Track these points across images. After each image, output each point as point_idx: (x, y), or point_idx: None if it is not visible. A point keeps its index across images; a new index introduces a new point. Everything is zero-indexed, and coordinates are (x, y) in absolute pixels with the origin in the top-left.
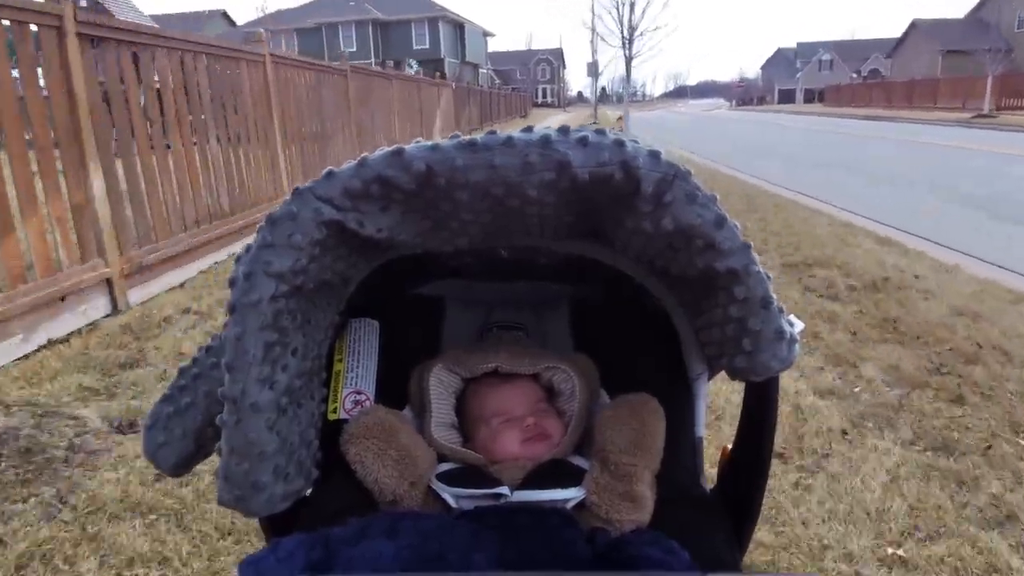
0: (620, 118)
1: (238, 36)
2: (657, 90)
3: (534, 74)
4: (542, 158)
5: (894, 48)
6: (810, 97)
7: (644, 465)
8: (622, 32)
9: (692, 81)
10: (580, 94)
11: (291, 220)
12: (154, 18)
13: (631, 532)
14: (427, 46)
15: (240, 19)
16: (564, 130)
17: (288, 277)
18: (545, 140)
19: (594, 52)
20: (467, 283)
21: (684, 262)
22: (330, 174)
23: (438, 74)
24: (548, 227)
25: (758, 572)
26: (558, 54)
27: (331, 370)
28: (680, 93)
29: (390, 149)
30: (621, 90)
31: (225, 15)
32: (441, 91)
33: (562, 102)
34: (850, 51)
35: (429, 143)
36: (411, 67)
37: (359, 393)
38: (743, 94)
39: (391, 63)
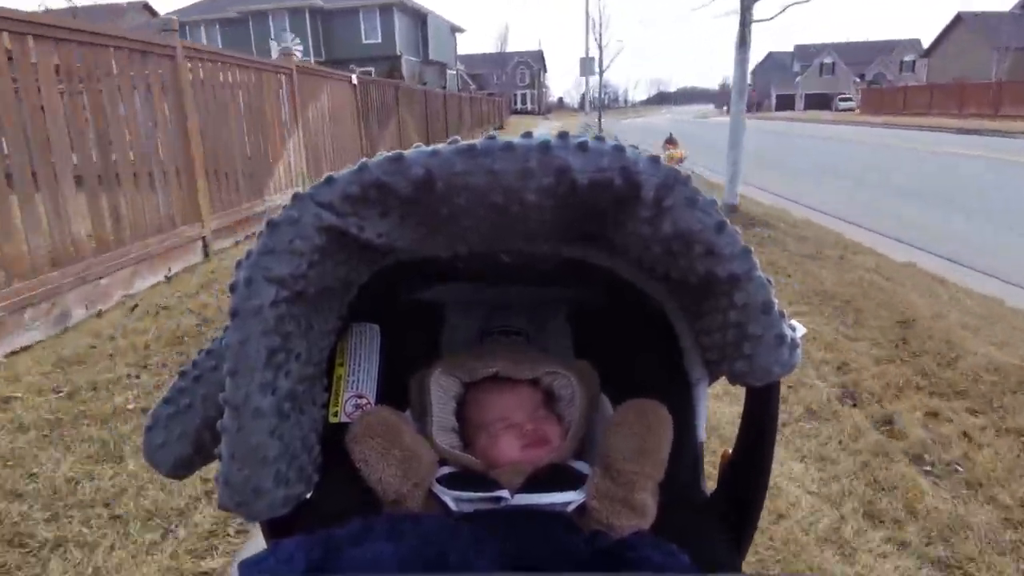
0: (672, 148)
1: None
2: (639, 96)
3: (512, 78)
4: (541, 164)
5: (932, 46)
6: (813, 103)
7: (647, 473)
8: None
9: (672, 88)
10: (561, 100)
11: (291, 225)
12: (77, 10)
13: (631, 535)
14: (379, 40)
15: (163, 10)
16: (564, 135)
17: (288, 282)
18: (545, 146)
19: (600, 46)
20: (467, 287)
21: (684, 267)
22: (330, 179)
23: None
24: (548, 232)
25: (758, 574)
26: (538, 56)
27: (332, 374)
28: (662, 100)
29: (390, 154)
30: (596, 96)
31: (147, 6)
32: (326, 88)
33: (542, 108)
34: (853, 54)
35: (429, 148)
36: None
37: (360, 397)
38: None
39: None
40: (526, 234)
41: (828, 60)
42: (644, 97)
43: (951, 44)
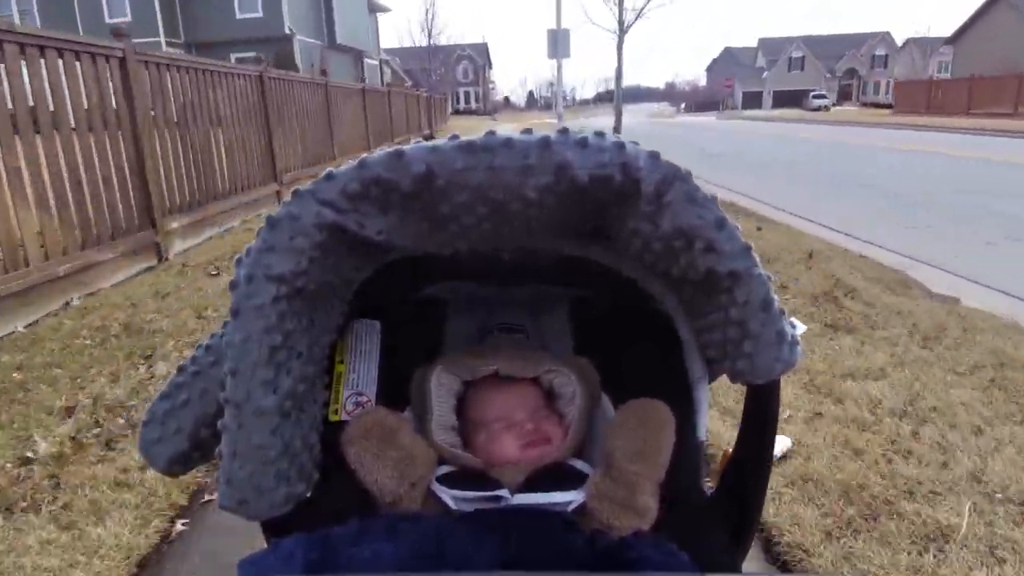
0: None
1: None
2: (587, 94)
3: (453, 73)
4: (541, 160)
5: (961, 31)
6: (783, 100)
7: (648, 474)
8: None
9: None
10: (507, 99)
11: (291, 223)
12: None
13: (631, 535)
14: (259, 14)
15: None
16: (564, 131)
17: (289, 279)
18: (545, 142)
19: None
20: (468, 285)
21: (685, 264)
22: (330, 176)
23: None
24: (548, 229)
25: (757, 574)
26: (482, 50)
27: (332, 372)
28: (611, 98)
29: (391, 150)
30: (549, 94)
31: None
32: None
33: (487, 107)
34: (823, 47)
35: (429, 144)
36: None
37: (360, 395)
38: (691, 97)
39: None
40: (526, 231)
41: (797, 54)
42: (591, 95)
43: (985, 29)
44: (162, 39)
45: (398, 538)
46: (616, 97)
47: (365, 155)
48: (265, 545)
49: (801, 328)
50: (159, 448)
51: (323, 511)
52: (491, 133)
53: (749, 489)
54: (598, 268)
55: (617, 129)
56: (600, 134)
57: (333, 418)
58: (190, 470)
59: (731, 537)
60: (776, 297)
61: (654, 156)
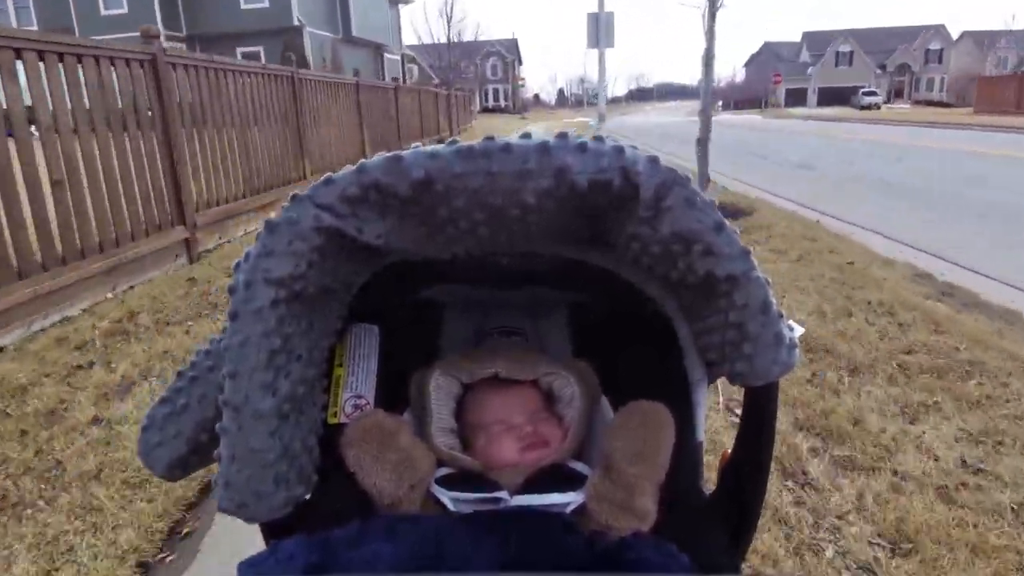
0: None
1: None
2: (618, 92)
3: (482, 70)
4: (540, 165)
5: None
6: (828, 97)
7: (647, 476)
8: None
9: (649, 84)
10: (537, 96)
11: (290, 227)
12: None
13: (630, 536)
14: (266, 4)
15: None
16: (563, 136)
17: (288, 283)
18: (544, 146)
19: None
20: (467, 288)
21: (684, 268)
22: (329, 180)
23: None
24: (547, 234)
25: (758, 574)
26: (512, 46)
27: (331, 375)
28: (643, 96)
29: (389, 155)
30: (580, 91)
31: None
32: None
33: (517, 106)
34: (871, 41)
35: (428, 149)
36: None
37: (359, 397)
38: (730, 95)
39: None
40: (525, 236)
41: (844, 48)
42: (623, 93)
43: None
44: (161, 32)
45: (397, 539)
46: (704, 92)
47: (365, 160)
48: (265, 547)
49: (799, 330)
50: (159, 452)
51: (322, 513)
52: (489, 138)
53: (748, 490)
54: (597, 272)
55: (704, 141)
56: (599, 138)
57: (332, 421)
58: (189, 474)
59: (730, 538)
60: (775, 300)
61: (653, 161)
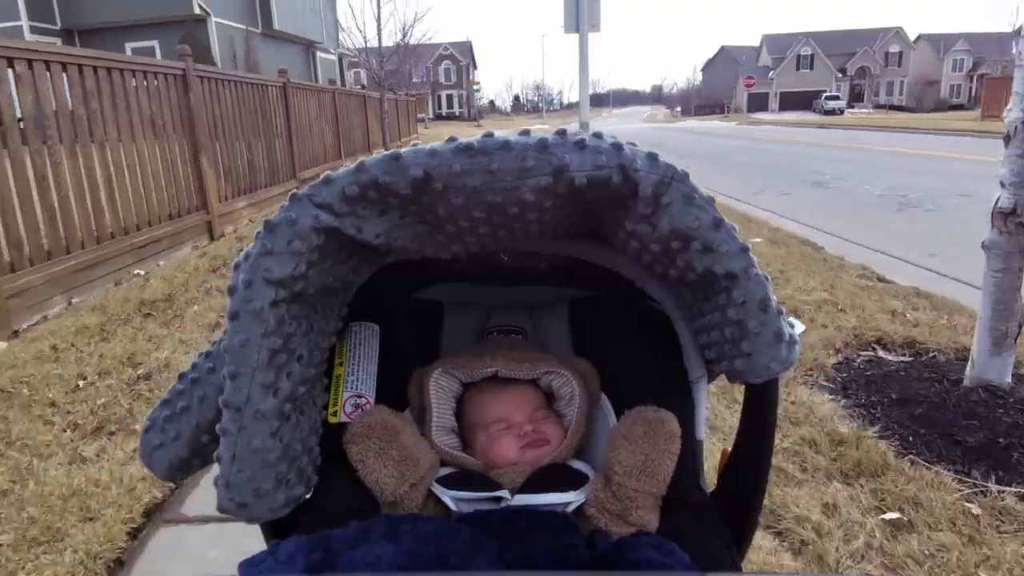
0: None
1: None
2: (575, 97)
3: (434, 75)
4: (539, 162)
5: None
6: (791, 102)
7: (648, 490)
8: None
9: (602, 90)
10: (492, 103)
11: (290, 226)
12: None
13: (631, 535)
14: None
15: None
16: (561, 133)
17: (288, 283)
18: (542, 144)
19: None
20: (467, 286)
21: (683, 265)
22: (328, 179)
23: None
24: (546, 231)
25: (757, 573)
26: (466, 49)
27: (331, 374)
28: (599, 101)
29: (388, 153)
30: (536, 98)
31: None
32: None
33: (471, 112)
34: (831, 44)
35: (427, 147)
36: None
37: (359, 397)
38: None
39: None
40: (524, 233)
41: (806, 52)
42: (577, 98)
43: None
44: (24, 23)
45: (398, 539)
46: None
47: (364, 158)
48: (265, 546)
49: (800, 328)
50: (160, 454)
51: (324, 512)
52: (489, 135)
53: (748, 489)
54: (596, 269)
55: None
56: (598, 135)
57: (332, 420)
58: (189, 475)
59: (731, 537)
60: (774, 297)
61: (652, 157)
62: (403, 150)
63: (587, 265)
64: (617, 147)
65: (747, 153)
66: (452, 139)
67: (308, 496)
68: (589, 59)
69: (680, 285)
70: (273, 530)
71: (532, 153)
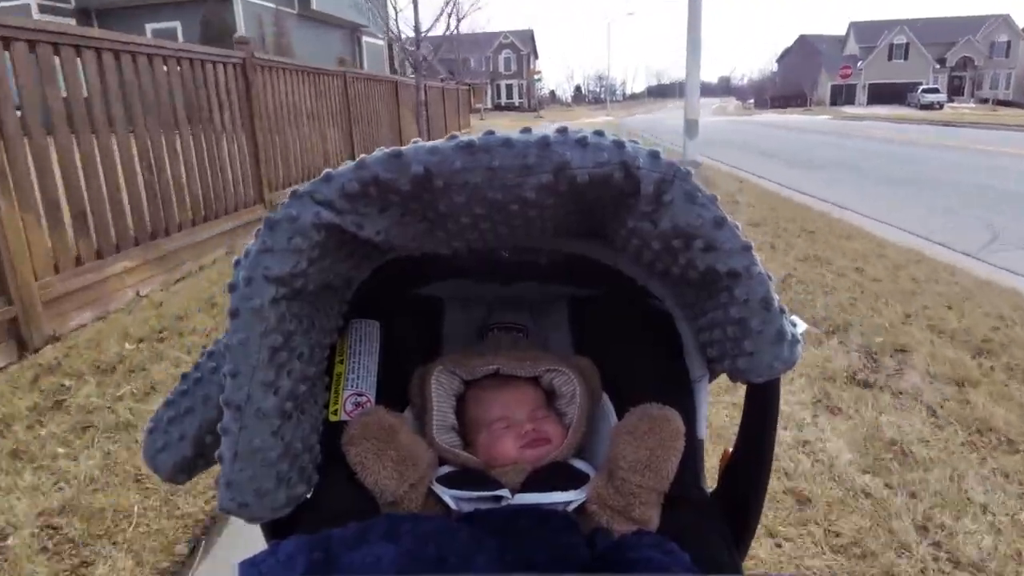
0: None
1: None
2: (637, 88)
3: (494, 64)
4: (541, 160)
5: None
6: (879, 95)
7: (651, 486)
8: None
9: (666, 80)
10: (553, 93)
11: (290, 223)
12: None
13: (631, 534)
14: None
15: None
16: (563, 130)
17: (288, 280)
18: (544, 141)
19: None
20: (467, 284)
21: (685, 263)
22: (328, 176)
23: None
24: (548, 229)
25: (757, 574)
26: (527, 37)
27: (332, 372)
28: (663, 92)
29: (389, 151)
30: (598, 89)
31: None
32: None
33: (531, 103)
34: (927, 34)
35: (428, 145)
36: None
37: (360, 395)
38: (758, 93)
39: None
40: (525, 231)
41: (899, 40)
42: (640, 89)
43: None
44: (32, 1)
45: (399, 539)
46: None
47: (364, 155)
48: (266, 546)
49: (802, 326)
50: (163, 456)
51: (324, 512)
52: (490, 133)
53: (749, 488)
54: (598, 267)
55: None
56: (599, 133)
57: (333, 419)
58: (194, 477)
59: (731, 537)
60: (777, 296)
61: (654, 155)
62: (404, 147)
63: (588, 262)
64: (619, 144)
65: (899, 162)
66: (453, 136)
67: (309, 495)
68: (632, 58)
69: (682, 283)
70: (273, 530)
71: (533, 150)
